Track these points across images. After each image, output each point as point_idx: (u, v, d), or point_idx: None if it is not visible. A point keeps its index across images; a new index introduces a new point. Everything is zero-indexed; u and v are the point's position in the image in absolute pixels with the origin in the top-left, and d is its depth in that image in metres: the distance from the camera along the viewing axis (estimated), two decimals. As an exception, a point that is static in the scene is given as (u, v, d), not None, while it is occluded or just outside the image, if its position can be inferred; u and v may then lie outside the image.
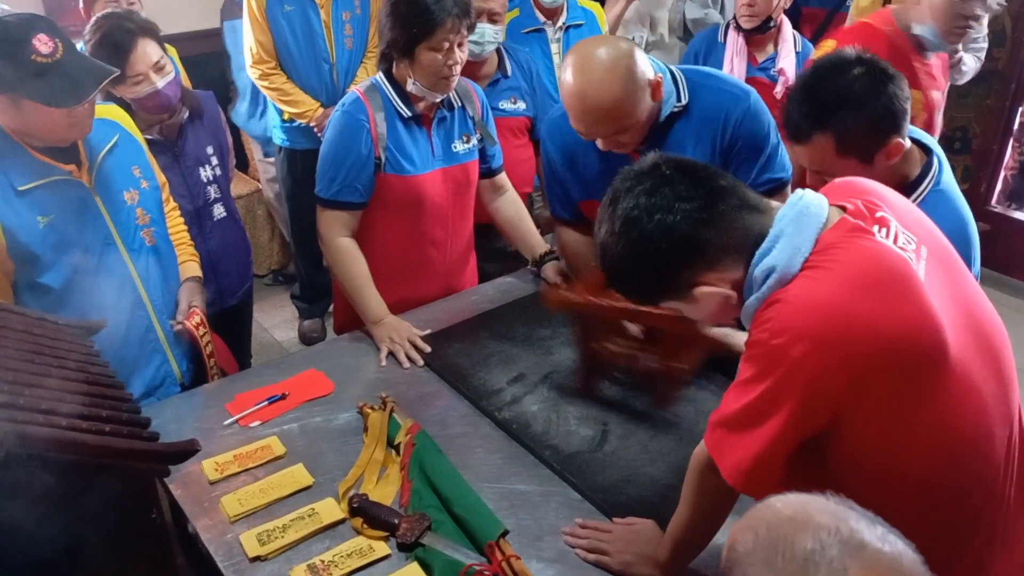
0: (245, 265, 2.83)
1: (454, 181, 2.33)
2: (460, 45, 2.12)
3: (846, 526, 0.77)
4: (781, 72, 3.18)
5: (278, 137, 3.56)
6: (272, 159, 3.94)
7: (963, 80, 3.27)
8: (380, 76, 2.23)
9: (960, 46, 2.98)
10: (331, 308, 3.11)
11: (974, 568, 1.29)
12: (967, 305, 1.26)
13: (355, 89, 2.24)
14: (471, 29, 2.15)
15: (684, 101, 1.95)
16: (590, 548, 1.51)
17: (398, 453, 1.76)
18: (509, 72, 2.90)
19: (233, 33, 3.73)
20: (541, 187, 2.93)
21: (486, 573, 1.45)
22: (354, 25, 3.36)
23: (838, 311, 1.14)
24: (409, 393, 1.98)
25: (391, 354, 2.14)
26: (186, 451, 1.39)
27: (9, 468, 1.13)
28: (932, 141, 1.80)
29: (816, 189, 1.31)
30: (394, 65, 2.20)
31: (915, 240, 1.25)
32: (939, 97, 2.82)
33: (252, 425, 1.87)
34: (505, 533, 1.53)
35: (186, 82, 3.18)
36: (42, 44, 1.71)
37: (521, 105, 2.93)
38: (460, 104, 2.32)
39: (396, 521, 1.55)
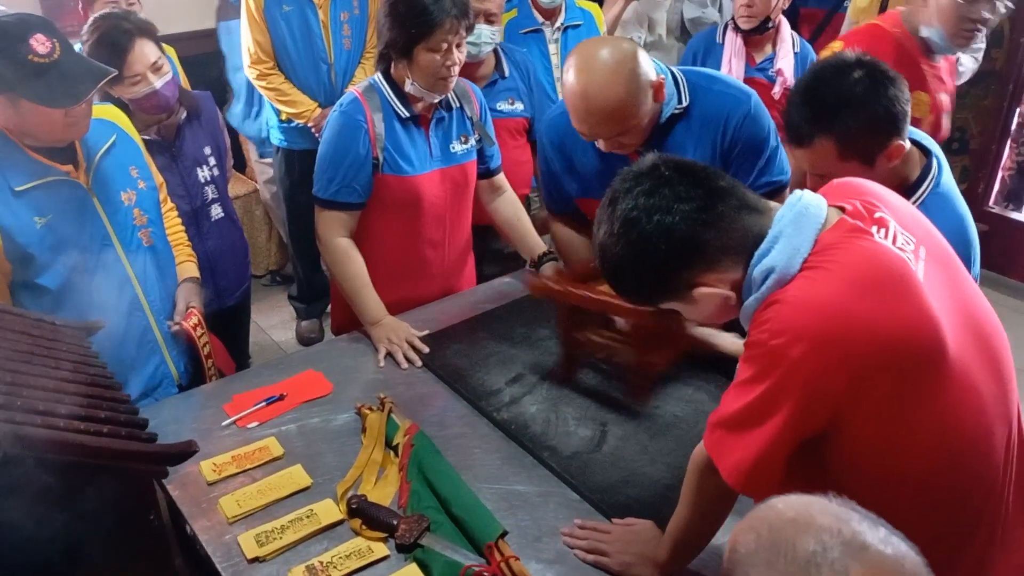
0: (243, 266, 2.83)
1: (452, 182, 2.33)
2: (459, 46, 2.12)
3: (848, 528, 0.77)
4: (779, 72, 3.18)
5: (276, 137, 3.55)
6: (268, 160, 3.94)
7: (961, 81, 3.27)
8: (378, 76, 2.23)
9: None
10: (329, 309, 3.10)
11: (974, 568, 1.29)
12: (966, 305, 1.26)
13: (353, 89, 2.24)
14: (470, 30, 2.15)
15: (685, 103, 1.95)
16: (589, 549, 1.51)
17: (396, 454, 1.76)
18: (507, 73, 2.90)
19: (228, 34, 3.72)
20: (538, 188, 2.93)
21: (485, 574, 1.45)
22: (352, 25, 3.36)
23: (837, 311, 1.14)
24: (407, 394, 1.98)
25: (389, 355, 2.14)
26: (184, 452, 1.39)
27: (7, 469, 1.13)
28: (932, 143, 1.80)
29: (815, 190, 1.31)
30: (392, 65, 2.19)
31: (914, 241, 1.25)
32: (947, 100, 2.82)
33: (250, 426, 1.87)
34: (504, 534, 1.53)
35: (185, 83, 3.18)
36: (39, 44, 1.71)
37: (519, 106, 2.93)
38: (458, 105, 2.32)
39: (395, 522, 1.55)
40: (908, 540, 0.78)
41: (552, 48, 3.26)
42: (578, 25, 3.27)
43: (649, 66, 1.84)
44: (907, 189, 1.70)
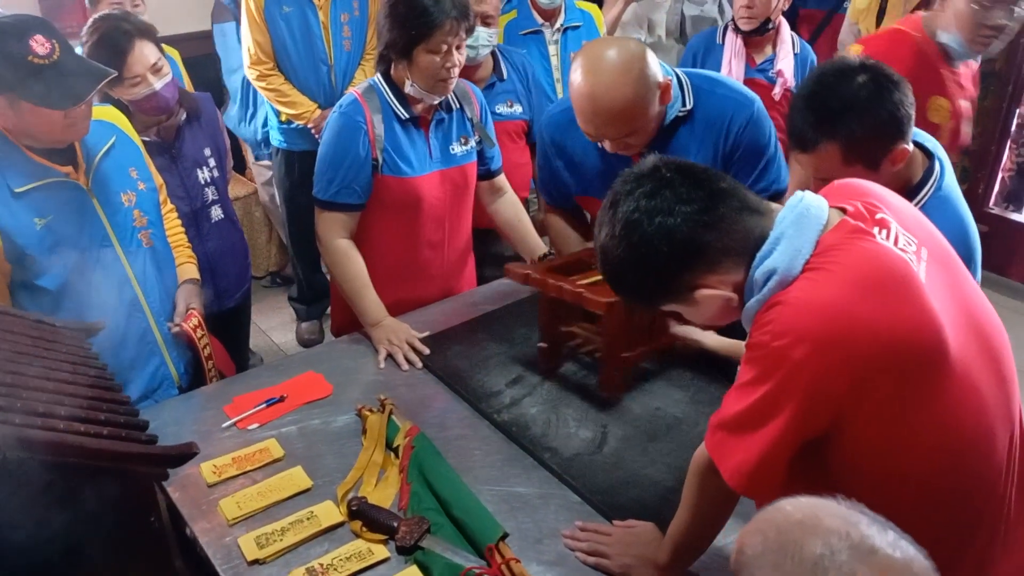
0: (243, 267, 2.82)
1: (452, 183, 2.32)
2: (458, 47, 2.12)
3: (856, 531, 0.76)
4: (779, 74, 3.17)
5: (275, 139, 3.55)
6: (264, 162, 3.94)
7: None
8: (378, 78, 2.22)
9: None
10: (329, 310, 3.10)
11: (975, 569, 1.28)
12: (967, 306, 1.26)
13: (353, 91, 2.24)
14: (470, 32, 2.15)
15: (689, 106, 1.95)
16: (590, 551, 1.51)
17: (397, 456, 1.75)
18: (505, 75, 2.90)
19: (223, 37, 3.72)
20: (537, 189, 2.93)
21: (486, 576, 1.45)
22: (352, 27, 3.36)
23: (839, 313, 1.13)
24: (408, 395, 1.98)
25: (390, 356, 2.14)
26: (184, 454, 1.39)
27: (7, 471, 1.13)
28: (936, 144, 1.80)
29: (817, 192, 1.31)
30: (392, 67, 2.19)
31: (915, 242, 1.25)
32: (967, 106, 2.79)
33: (250, 428, 1.86)
34: (505, 536, 1.53)
35: (188, 85, 3.18)
36: (39, 45, 1.70)
37: (517, 108, 2.93)
38: (458, 106, 2.32)
39: (395, 524, 1.54)
40: (916, 543, 0.78)
41: (552, 49, 3.26)
42: (578, 26, 3.27)
43: (657, 67, 1.84)
44: (909, 191, 1.70)
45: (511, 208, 2.54)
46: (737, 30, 3.22)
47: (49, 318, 1.70)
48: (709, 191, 1.23)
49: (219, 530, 1.58)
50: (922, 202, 1.70)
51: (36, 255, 1.84)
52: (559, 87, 3.24)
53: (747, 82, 3.06)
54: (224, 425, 1.87)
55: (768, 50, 3.25)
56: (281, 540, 1.53)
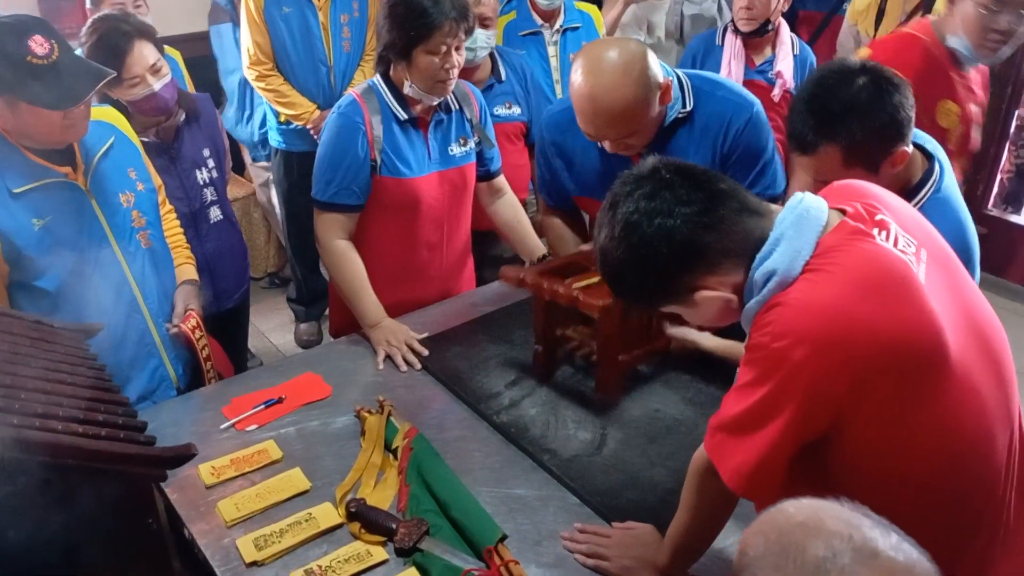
0: (242, 268, 2.82)
1: (450, 184, 2.32)
2: (458, 49, 2.12)
3: (859, 533, 0.76)
4: (779, 75, 3.18)
5: (274, 139, 3.55)
6: (261, 164, 3.94)
7: None
8: (377, 78, 2.22)
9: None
10: (327, 311, 3.10)
11: (975, 571, 1.28)
12: (967, 308, 1.26)
13: (352, 91, 2.23)
14: (469, 33, 2.14)
15: (689, 107, 1.95)
16: (589, 553, 1.51)
17: (396, 457, 1.75)
18: (503, 77, 2.90)
19: (219, 38, 3.72)
20: (535, 191, 2.93)
21: (485, 578, 1.45)
22: (352, 28, 3.36)
23: (839, 314, 1.13)
24: (407, 397, 1.98)
25: (388, 357, 2.13)
26: (183, 455, 1.39)
27: (5, 473, 1.13)
28: (936, 146, 1.80)
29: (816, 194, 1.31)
30: (391, 68, 2.19)
31: (915, 243, 1.25)
32: (977, 112, 2.76)
33: (249, 429, 1.86)
34: (504, 538, 1.52)
35: (190, 85, 3.17)
36: (38, 46, 1.70)
37: (516, 110, 2.93)
38: (458, 107, 2.31)
39: (394, 526, 1.54)
40: (920, 546, 0.78)
41: (551, 50, 3.26)
42: (577, 27, 3.27)
43: (657, 68, 1.84)
44: (908, 192, 1.70)
45: (510, 209, 2.53)
46: (736, 31, 3.22)
47: (47, 319, 1.70)
48: (709, 192, 1.23)
49: (217, 532, 1.58)
50: (921, 203, 1.70)
51: (34, 256, 1.83)
52: (558, 88, 3.24)
53: (746, 83, 3.06)
54: (223, 426, 1.87)
55: (767, 51, 3.25)
56: (280, 542, 1.53)
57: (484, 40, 2.72)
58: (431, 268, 2.41)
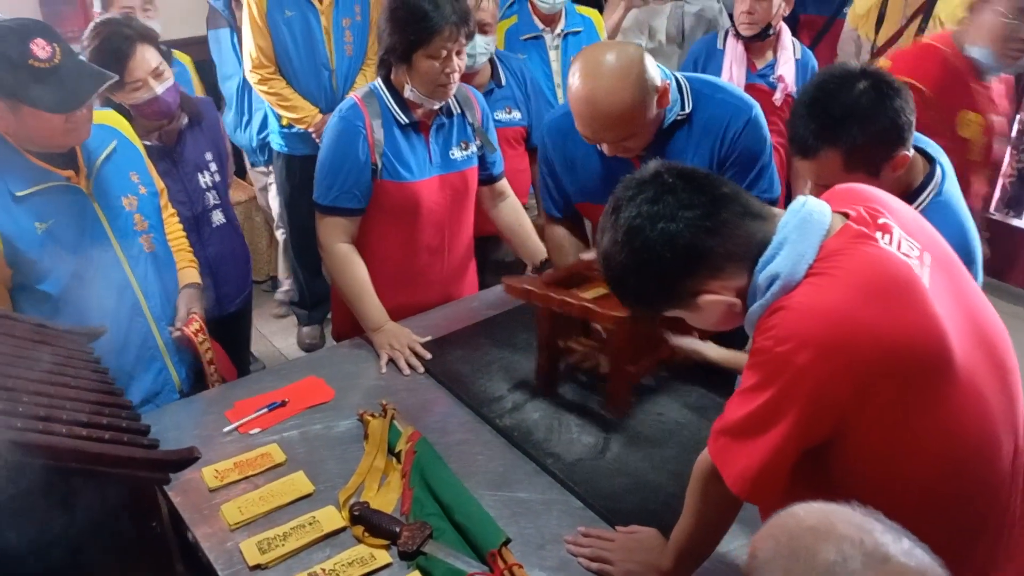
0: (244, 272, 2.82)
1: (452, 188, 2.32)
2: (458, 53, 2.12)
3: (871, 538, 0.76)
4: (780, 79, 3.18)
5: (276, 143, 3.55)
6: (260, 168, 3.94)
7: None
8: (379, 82, 2.22)
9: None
10: (330, 315, 3.10)
11: (978, 575, 1.28)
12: (971, 312, 1.26)
13: (353, 95, 2.23)
14: (470, 37, 2.15)
15: (688, 109, 1.95)
16: (593, 557, 1.50)
17: (399, 461, 1.75)
18: (503, 82, 2.90)
19: (217, 43, 3.72)
20: (536, 195, 2.93)
21: (488, 582, 1.45)
22: (354, 31, 3.36)
23: (842, 318, 1.13)
24: (410, 400, 1.98)
25: (391, 361, 2.13)
26: (186, 459, 1.39)
27: (8, 476, 1.12)
28: (938, 150, 1.80)
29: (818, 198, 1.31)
30: (392, 71, 2.19)
31: (918, 247, 1.25)
32: (1001, 121, 2.76)
33: (252, 432, 1.86)
34: (507, 541, 1.52)
35: (198, 89, 3.18)
36: (40, 49, 1.70)
37: (516, 115, 2.93)
38: (460, 111, 2.32)
39: (397, 529, 1.54)
40: (932, 552, 0.77)
41: (553, 55, 3.26)
42: (578, 32, 3.28)
43: (655, 71, 1.84)
44: (910, 196, 1.70)
45: (512, 212, 2.53)
46: (738, 35, 3.22)
47: (50, 322, 1.70)
48: (711, 196, 1.23)
49: (221, 535, 1.58)
50: (922, 206, 1.70)
51: (37, 259, 1.84)
52: (560, 92, 3.24)
53: (748, 87, 3.06)
54: (226, 430, 1.87)
55: (769, 55, 3.26)
56: (283, 545, 1.53)
57: (483, 46, 2.72)
58: (432, 272, 2.41)
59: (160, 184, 2.20)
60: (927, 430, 1.18)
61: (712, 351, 1.85)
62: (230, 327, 2.68)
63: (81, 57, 1.96)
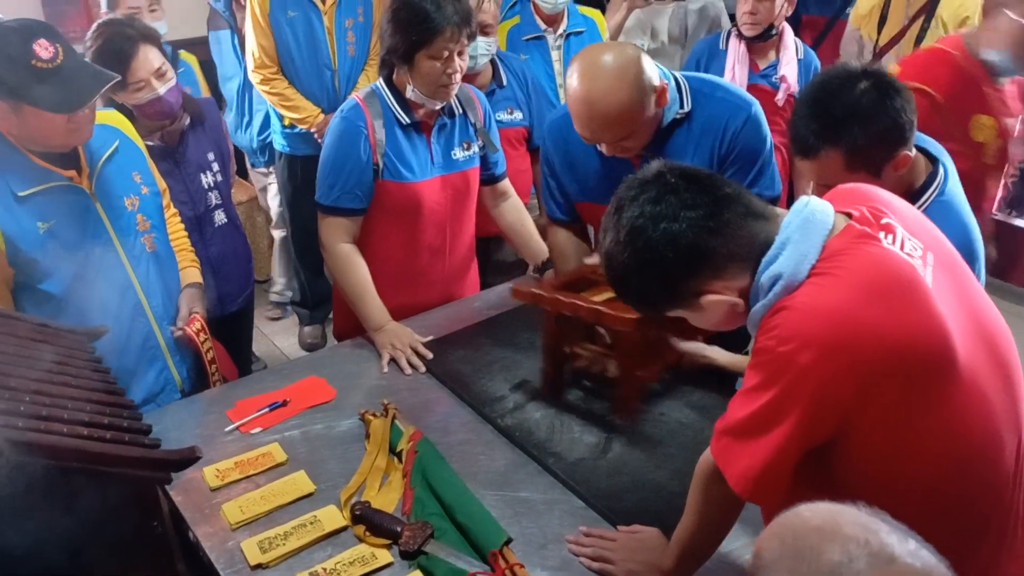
0: (246, 271, 2.82)
1: (453, 188, 2.32)
2: (460, 53, 2.12)
3: (877, 539, 0.75)
4: (783, 79, 3.18)
5: (278, 143, 3.55)
6: (260, 169, 3.94)
7: None
8: (380, 82, 2.23)
9: None
10: (331, 314, 3.10)
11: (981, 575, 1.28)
12: (974, 311, 1.26)
13: (355, 95, 2.24)
14: (471, 38, 2.15)
15: (687, 108, 1.95)
16: (594, 556, 1.50)
17: (400, 460, 1.75)
18: (504, 82, 2.90)
19: (218, 44, 3.73)
20: (538, 196, 2.93)
21: (489, 582, 1.44)
22: (356, 32, 3.36)
23: (845, 318, 1.13)
24: (411, 400, 1.98)
25: (393, 360, 2.13)
26: (187, 458, 1.39)
27: (9, 475, 1.13)
28: (940, 150, 1.80)
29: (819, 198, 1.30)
30: (394, 72, 2.19)
31: (921, 247, 1.24)
32: (1015, 124, 2.75)
33: (253, 432, 1.86)
34: (509, 541, 1.52)
35: (204, 89, 3.18)
36: (43, 49, 1.71)
37: (518, 115, 2.93)
38: (461, 111, 2.32)
39: (399, 529, 1.54)
40: (938, 553, 0.77)
41: (555, 55, 3.26)
42: (580, 32, 3.27)
43: (653, 71, 1.84)
44: (912, 195, 1.70)
45: (514, 212, 2.53)
46: (740, 36, 3.22)
47: (52, 322, 1.70)
48: (714, 196, 1.23)
49: (222, 534, 1.58)
50: (924, 206, 1.70)
51: (39, 259, 1.84)
52: (562, 93, 3.24)
53: (750, 87, 3.06)
54: (227, 429, 1.87)
55: (772, 55, 3.26)
56: (284, 544, 1.53)
57: (484, 47, 2.72)
58: (434, 272, 2.41)
59: (162, 184, 2.20)
60: (930, 430, 1.18)
61: (720, 355, 1.85)
62: (232, 327, 2.69)
63: (84, 58, 1.96)
